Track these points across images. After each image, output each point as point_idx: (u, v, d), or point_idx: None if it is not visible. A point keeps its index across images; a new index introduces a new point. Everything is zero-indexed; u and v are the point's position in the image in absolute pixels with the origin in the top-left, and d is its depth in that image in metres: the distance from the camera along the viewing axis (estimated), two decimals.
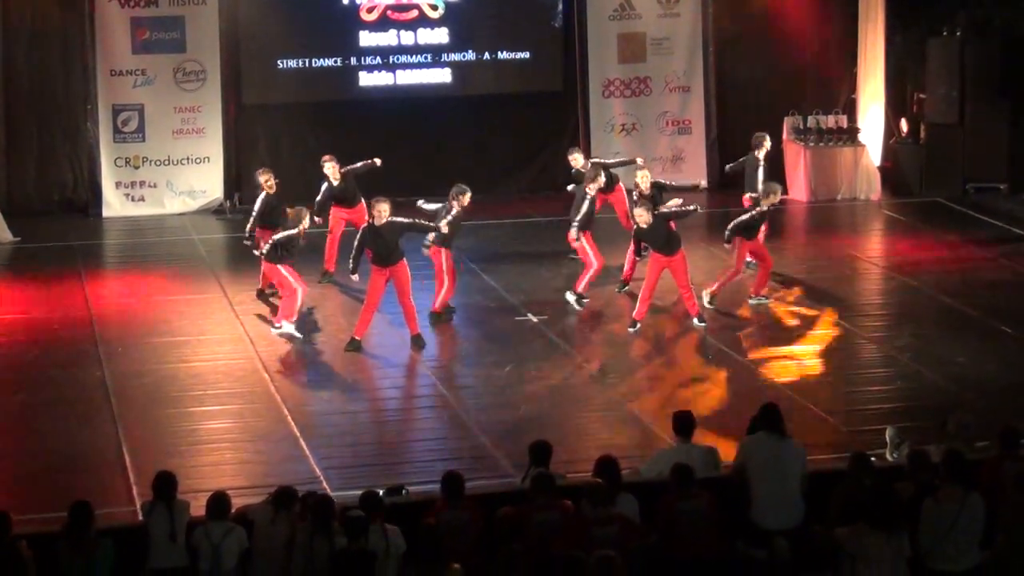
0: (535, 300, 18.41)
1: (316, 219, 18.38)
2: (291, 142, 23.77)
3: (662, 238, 17.24)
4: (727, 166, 20.72)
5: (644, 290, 17.35)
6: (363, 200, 18.93)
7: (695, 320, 17.29)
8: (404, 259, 16.66)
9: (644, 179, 18.50)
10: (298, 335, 17.02)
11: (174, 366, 16.26)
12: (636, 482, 11.20)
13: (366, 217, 17.32)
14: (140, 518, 10.69)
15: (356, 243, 16.64)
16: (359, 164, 19.26)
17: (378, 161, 19.34)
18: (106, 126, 23.02)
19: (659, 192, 18.56)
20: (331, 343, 17.10)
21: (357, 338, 16.69)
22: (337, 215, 19.23)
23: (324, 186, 19.06)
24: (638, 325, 17.28)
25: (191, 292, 19.01)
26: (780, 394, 14.84)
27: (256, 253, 17.69)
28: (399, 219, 16.69)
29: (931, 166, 24.09)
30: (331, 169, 19.02)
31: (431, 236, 17.25)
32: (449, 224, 17.25)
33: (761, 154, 19.85)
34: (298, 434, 14.33)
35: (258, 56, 23.74)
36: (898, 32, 24.22)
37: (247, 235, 18.35)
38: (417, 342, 16.75)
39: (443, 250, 17.46)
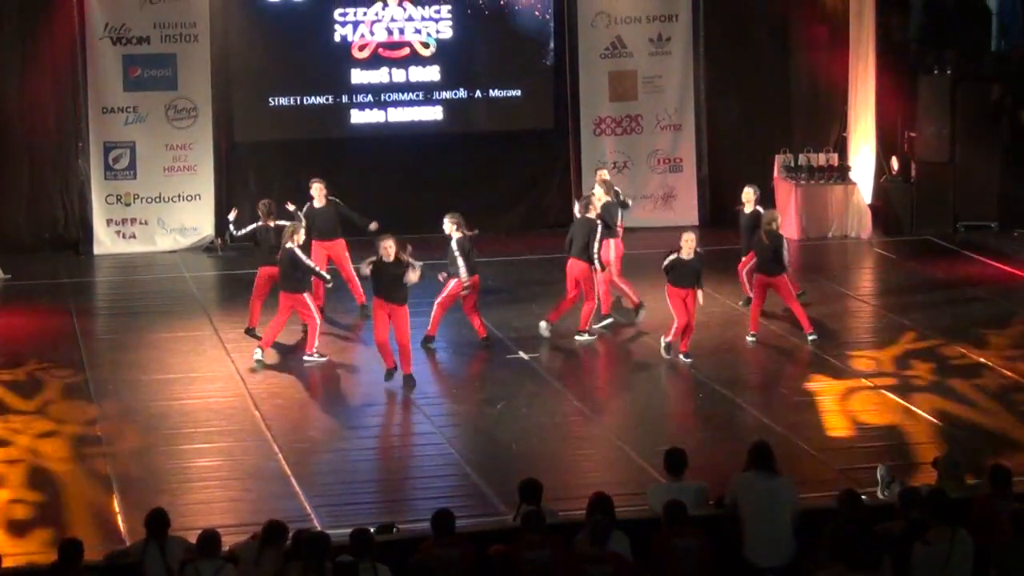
0: (526, 337, 18.39)
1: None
2: (282, 179, 23.75)
3: None
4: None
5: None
6: (343, 238, 19.16)
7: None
8: (407, 304, 16.68)
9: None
10: (323, 358, 17.49)
11: (165, 403, 16.22)
12: (628, 519, 11.19)
13: (344, 254, 17.99)
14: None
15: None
16: (356, 214, 19.41)
17: (374, 225, 19.13)
18: (97, 163, 22.98)
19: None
20: (322, 381, 17.10)
21: (390, 368, 16.79)
22: (318, 252, 18.90)
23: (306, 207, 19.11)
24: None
25: (182, 330, 18.97)
26: (770, 432, 14.84)
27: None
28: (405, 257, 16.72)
29: (922, 204, 24.11)
30: (317, 190, 19.15)
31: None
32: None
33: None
34: (288, 472, 14.29)
35: (250, 93, 23.74)
36: (889, 70, 24.26)
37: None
38: (408, 382, 16.73)
39: (457, 280, 17.93)
